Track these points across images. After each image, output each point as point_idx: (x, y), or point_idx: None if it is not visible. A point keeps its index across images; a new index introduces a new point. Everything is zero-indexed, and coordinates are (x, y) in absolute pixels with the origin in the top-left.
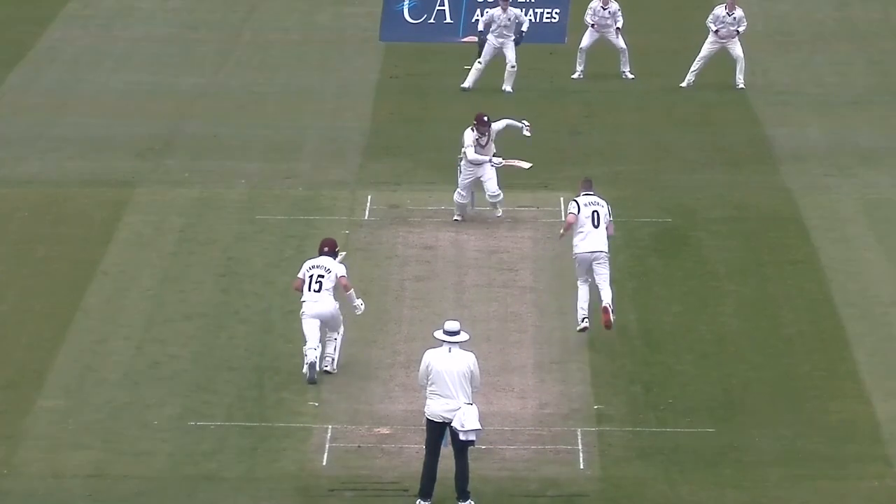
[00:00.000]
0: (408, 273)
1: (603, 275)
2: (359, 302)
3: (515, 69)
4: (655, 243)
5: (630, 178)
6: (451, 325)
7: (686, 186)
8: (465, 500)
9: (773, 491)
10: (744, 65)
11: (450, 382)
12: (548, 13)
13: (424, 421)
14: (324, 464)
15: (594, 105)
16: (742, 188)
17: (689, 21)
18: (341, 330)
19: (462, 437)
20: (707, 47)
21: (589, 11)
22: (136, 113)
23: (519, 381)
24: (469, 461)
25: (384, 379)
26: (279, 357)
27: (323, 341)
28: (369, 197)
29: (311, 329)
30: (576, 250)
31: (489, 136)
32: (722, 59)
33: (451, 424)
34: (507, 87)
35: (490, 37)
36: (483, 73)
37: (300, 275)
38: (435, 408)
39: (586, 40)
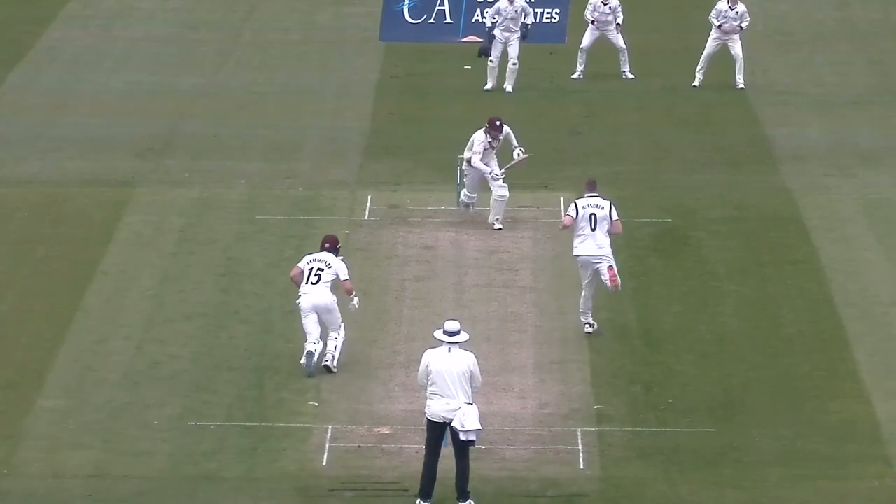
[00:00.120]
0: (408, 273)
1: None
2: (356, 301)
3: (517, 67)
4: (655, 243)
5: (630, 178)
6: (451, 325)
7: (686, 186)
8: (465, 500)
9: (773, 491)
10: (743, 65)
11: (450, 382)
12: (548, 13)
13: (425, 421)
14: (324, 464)
15: (594, 105)
16: (742, 188)
17: (689, 21)
18: (342, 332)
19: (462, 436)
20: (710, 44)
21: (589, 7)
22: (136, 113)
23: (519, 381)
24: (469, 461)
25: (384, 379)
26: (279, 357)
27: (323, 338)
28: (369, 197)
29: (310, 324)
30: (575, 252)
31: (501, 140)
32: (722, 59)
33: (451, 424)
34: (508, 87)
35: (496, 31)
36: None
37: (300, 265)
38: (435, 408)
39: (587, 40)
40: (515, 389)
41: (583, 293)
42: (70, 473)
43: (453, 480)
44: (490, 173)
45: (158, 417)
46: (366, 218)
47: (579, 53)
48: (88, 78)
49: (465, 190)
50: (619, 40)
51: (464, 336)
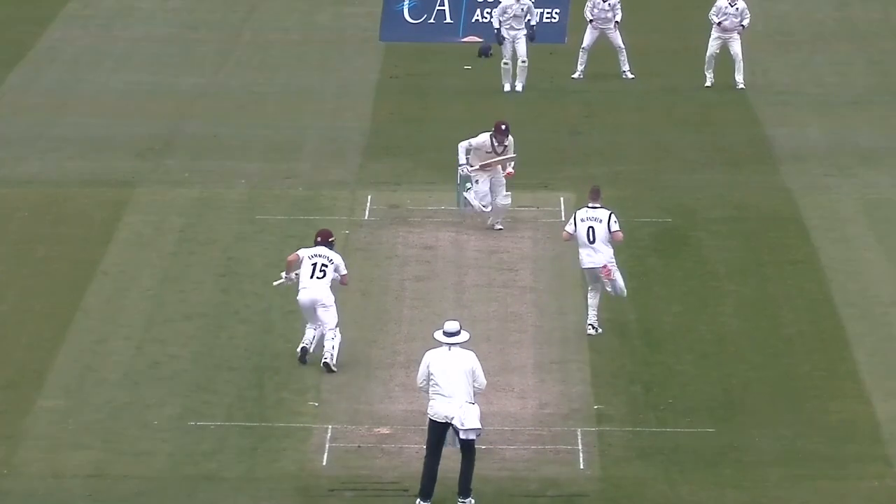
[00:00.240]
0: (408, 273)
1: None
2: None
3: (527, 65)
4: (655, 243)
5: (630, 178)
6: (451, 325)
7: (686, 186)
8: (465, 498)
9: (773, 491)
10: (742, 65)
11: (451, 382)
12: (548, 13)
13: (427, 421)
14: (324, 464)
15: (594, 105)
16: (742, 188)
17: (689, 21)
18: (337, 334)
19: (462, 435)
20: (712, 44)
21: (588, 5)
22: (136, 113)
23: (519, 381)
24: (474, 459)
25: (384, 379)
26: (279, 357)
27: (321, 334)
28: (369, 197)
29: (308, 314)
30: (580, 263)
31: (506, 145)
32: (723, 59)
33: (452, 423)
34: (518, 86)
35: (503, 30)
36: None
37: (298, 251)
38: (437, 408)
39: (587, 39)
40: (515, 389)
41: (588, 296)
42: (70, 473)
43: (453, 480)
44: (462, 165)
45: (158, 417)
46: (366, 218)
47: (580, 53)
48: (88, 78)
49: (478, 202)
50: (618, 39)
51: (464, 336)
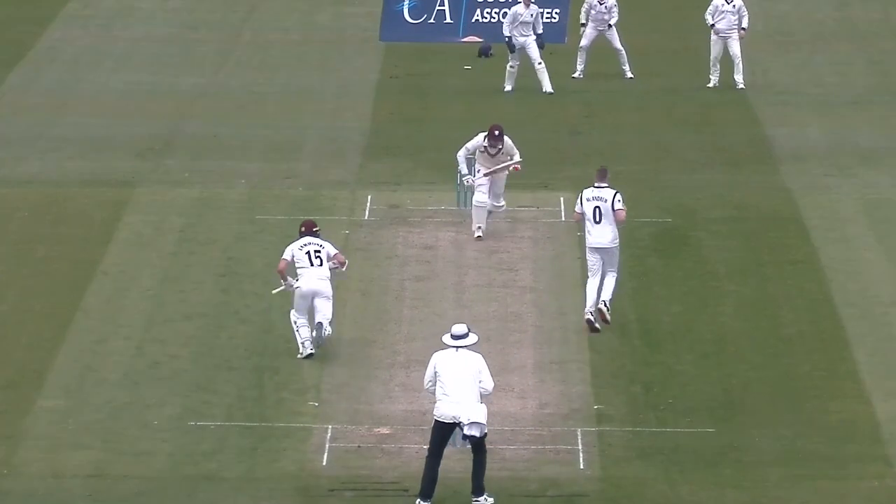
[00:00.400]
0: (408, 273)
1: (610, 267)
2: (344, 268)
3: (543, 65)
4: (655, 243)
5: (630, 178)
6: (459, 328)
7: (686, 186)
8: (478, 496)
9: (773, 491)
10: (741, 65)
11: (457, 383)
12: (548, 13)
13: (432, 421)
14: (324, 464)
15: (594, 105)
16: (742, 188)
17: (689, 21)
18: (330, 323)
19: (466, 430)
20: (714, 45)
21: (584, 7)
22: (136, 113)
23: (519, 381)
24: (486, 458)
25: (384, 379)
26: (279, 357)
27: (311, 324)
28: (369, 197)
29: (303, 303)
30: (586, 241)
31: (500, 148)
32: (723, 59)
33: (459, 423)
34: (546, 88)
35: (514, 37)
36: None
37: (285, 256)
38: (443, 409)
39: (586, 39)
40: (515, 389)
41: (588, 282)
42: (70, 473)
43: (453, 481)
44: (465, 176)
45: (158, 417)
46: (366, 218)
47: (579, 52)
48: (88, 78)
49: (474, 200)
50: (617, 41)
51: (472, 338)
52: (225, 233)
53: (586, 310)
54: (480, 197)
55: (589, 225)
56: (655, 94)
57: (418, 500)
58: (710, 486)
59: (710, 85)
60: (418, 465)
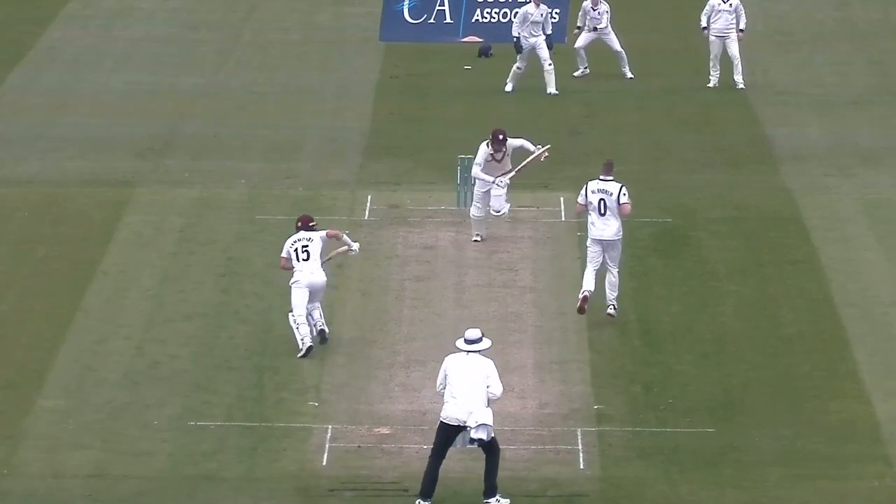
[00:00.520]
0: (408, 273)
1: (611, 261)
2: (356, 245)
3: (552, 67)
4: (655, 243)
5: (630, 178)
6: (472, 332)
7: (686, 186)
8: (490, 497)
9: (773, 491)
10: (740, 65)
11: (465, 386)
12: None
13: (437, 422)
14: (324, 464)
15: (594, 105)
16: (742, 188)
17: (689, 21)
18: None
19: (473, 433)
20: (712, 46)
21: (580, 13)
22: (136, 113)
23: (519, 381)
24: (497, 459)
25: (384, 379)
26: (279, 357)
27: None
28: (369, 197)
29: (300, 299)
30: (589, 233)
31: (505, 151)
32: (723, 58)
33: (466, 425)
34: (551, 89)
35: (522, 38)
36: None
37: (283, 254)
38: (449, 411)
39: (581, 40)
40: (515, 389)
41: (586, 269)
42: (70, 473)
43: (453, 481)
44: (493, 181)
45: (158, 417)
46: (366, 218)
47: (576, 53)
48: (88, 78)
49: (474, 202)
50: (616, 44)
51: (485, 343)
52: (225, 233)
53: (581, 292)
54: (499, 206)
55: (594, 216)
56: (655, 94)
57: (418, 499)
58: (710, 486)
59: (710, 85)
60: (418, 465)
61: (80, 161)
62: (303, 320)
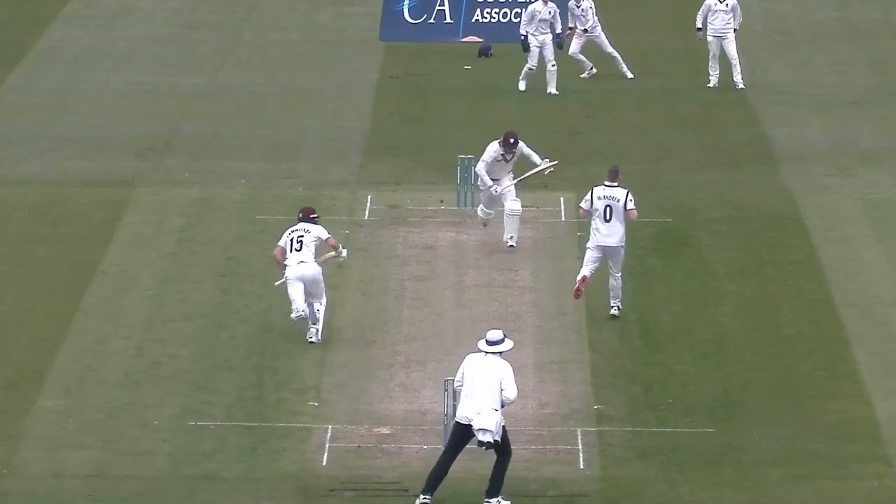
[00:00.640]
0: (408, 273)
1: (614, 266)
2: (344, 252)
3: (556, 68)
4: (655, 243)
5: (630, 178)
6: (493, 334)
7: (686, 186)
8: (490, 498)
9: (773, 491)
10: (739, 65)
11: (477, 386)
12: None
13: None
14: (324, 464)
15: (594, 105)
16: (742, 188)
17: (689, 21)
18: (324, 300)
19: (480, 436)
20: (711, 46)
21: (569, 13)
22: (136, 113)
23: (519, 382)
24: (504, 464)
25: (384, 379)
26: (279, 357)
27: (309, 305)
28: (369, 197)
29: (296, 292)
30: (591, 240)
31: (515, 154)
32: (722, 58)
33: (472, 425)
34: (552, 89)
35: (530, 36)
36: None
37: (281, 242)
38: (461, 409)
39: (574, 46)
40: None
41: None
42: (70, 473)
43: (453, 481)
44: (491, 187)
45: (158, 417)
46: (366, 218)
47: (574, 58)
48: (88, 78)
49: (481, 205)
50: (606, 46)
51: (506, 345)
52: (225, 233)
53: (580, 275)
54: (514, 205)
55: (598, 223)
56: (655, 94)
57: (420, 494)
58: (710, 486)
59: (710, 85)
60: (418, 465)
61: (80, 161)
62: (302, 305)
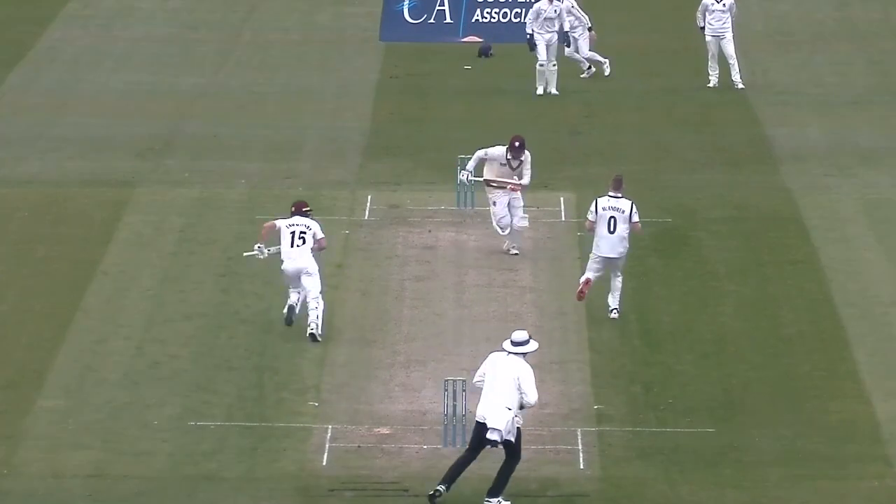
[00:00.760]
0: (408, 273)
1: (615, 272)
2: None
3: (556, 67)
4: (655, 243)
5: (630, 178)
6: (518, 335)
7: (686, 186)
8: (491, 497)
9: (773, 491)
10: (737, 65)
11: (494, 385)
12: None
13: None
14: (324, 464)
15: (594, 105)
16: (742, 188)
17: (689, 21)
18: (321, 302)
19: (488, 435)
20: (710, 46)
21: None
22: (136, 113)
23: None
24: (510, 467)
25: (384, 379)
26: (279, 357)
27: (304, 302)
28: (369, 197)
29: (293, 282)
30: (594, 249)
31: (522, 160)
32: (722, 58)
33: (486, 423)
34: (552, 89)
35: (536, 35)
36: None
37: (276, 222)
38: (479, 408)
39: (567, 50)
40: None
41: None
42: (70, 473)
43: (456, 482)
44: (469, 170)
45: (158, 417)
46: (366, 218)
47: (571, 59)
48: (88, 78)
49: (495, 222)
50: (585, 49)
51: (530, 347)
52: (225, 233)
53: (583, 277)
54: (523, 223)
55: (601, 234)
56: (655, 94)
57: (438, 483)
58: (710, 486)
59: (710, 85)
60: (418, 465)
61: (80, 161)
62: (294, 294)
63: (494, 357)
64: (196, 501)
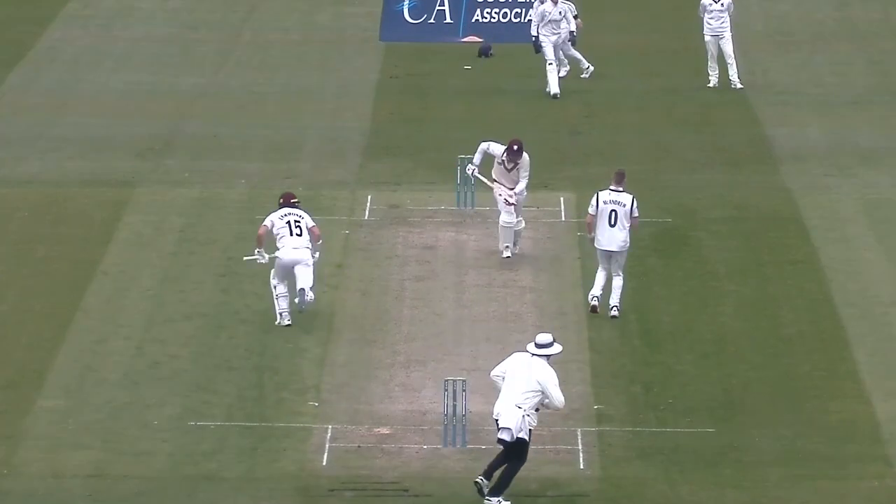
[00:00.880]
0: (408, 273)
1: (616, 268)
2: (317, 255)
3: (555, 67)
4: (655, 243)
5: (630, 178)
6: (542, 337)
7: (686, 186)
8: (491, 497)
9: (773, 491)
10: (735, 65)
11: (511, 384)
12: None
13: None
14: (324, 464)
15: (594, 105)
16: (742, 188)
17: (689, 21)
18: (312, 292)
19: (499, 434)
20: (709, 45)
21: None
22: (136, 113)
23: None
24: (512, 467)
25: (384, 379)
26: (279, 357)
27: (291, 291)
28: (369, 197)
29: (284, 273)
30: (595, 244)
31: (517, 164)
32: (722, 58)
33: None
34: (552, 88)
35: (541, 36)
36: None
37: (267, 223)
38: (495, 406)
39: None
40: None
41: (598, 271)
42: (70, 473)
43: (454, 481)
44: (476, 165)
45: (158, 417)
46: (366, 218)
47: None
48: (88, 78)
49: (501, 224)
50: (570, 49)
51: (554, 349)
52: (225, 233)
53: (591, 294)
54: (508, 218)
55: (601, 228)
56: (655, 94)
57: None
58: (710, 486)
59: (710, 85)
60: (418, 465)
61: (80, 161)
62: (283, 293)
63: (517, 356)
64: (196, 501)
